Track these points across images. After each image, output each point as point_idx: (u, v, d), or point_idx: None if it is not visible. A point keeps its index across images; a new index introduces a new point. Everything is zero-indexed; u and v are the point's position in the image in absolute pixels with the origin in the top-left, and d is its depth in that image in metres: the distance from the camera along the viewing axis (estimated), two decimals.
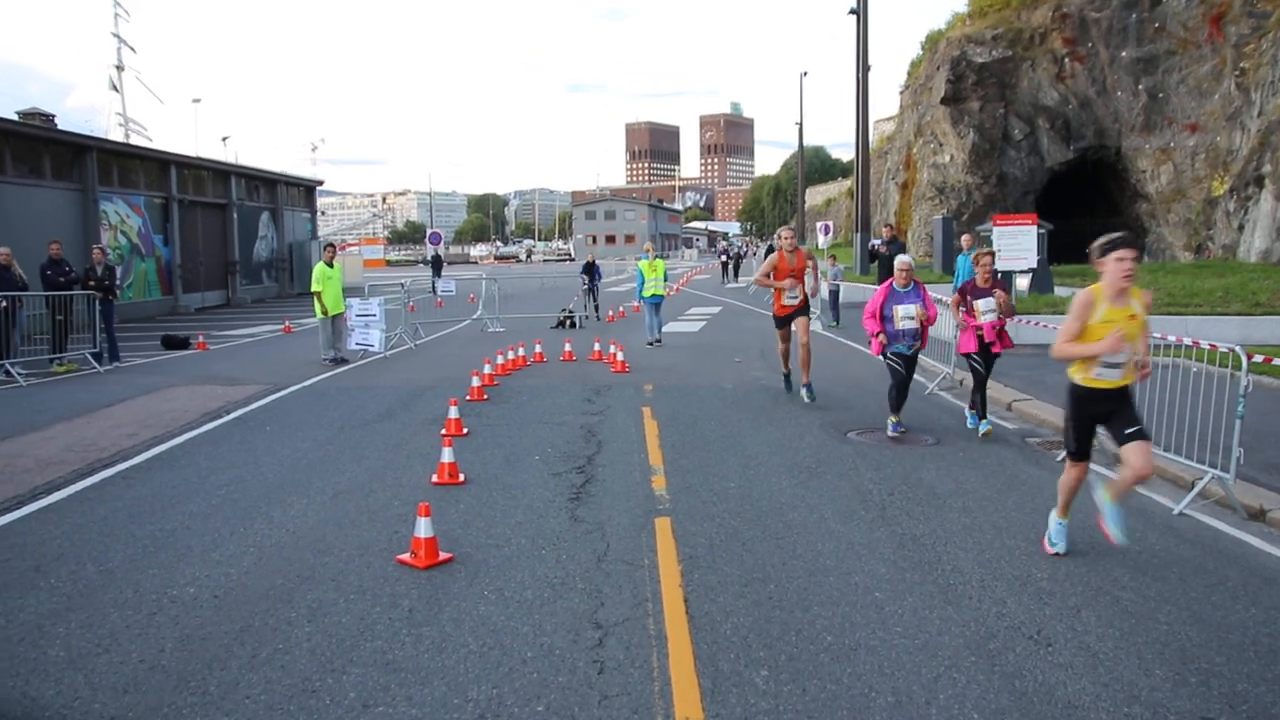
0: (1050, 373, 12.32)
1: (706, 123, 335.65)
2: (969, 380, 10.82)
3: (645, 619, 5.13)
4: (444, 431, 9.95)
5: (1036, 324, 14.16)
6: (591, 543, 6.45)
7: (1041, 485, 7.95)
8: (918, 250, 40.70)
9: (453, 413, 10.25)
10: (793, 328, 12.09)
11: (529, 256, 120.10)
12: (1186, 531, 6.80)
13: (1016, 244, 18.81)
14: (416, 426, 10.67)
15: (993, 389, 12.07)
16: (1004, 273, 18.73)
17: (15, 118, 28.25)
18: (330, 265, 16.87)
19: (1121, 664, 4.59)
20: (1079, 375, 5.87)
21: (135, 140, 42.82)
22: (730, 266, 47.85)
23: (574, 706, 4.17)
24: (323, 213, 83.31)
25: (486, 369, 13.80)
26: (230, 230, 35.99)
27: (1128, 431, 5.75)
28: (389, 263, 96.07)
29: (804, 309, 12.05)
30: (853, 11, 26.64)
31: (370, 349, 17.39)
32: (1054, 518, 6.23)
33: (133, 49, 49.57)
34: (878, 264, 18.66)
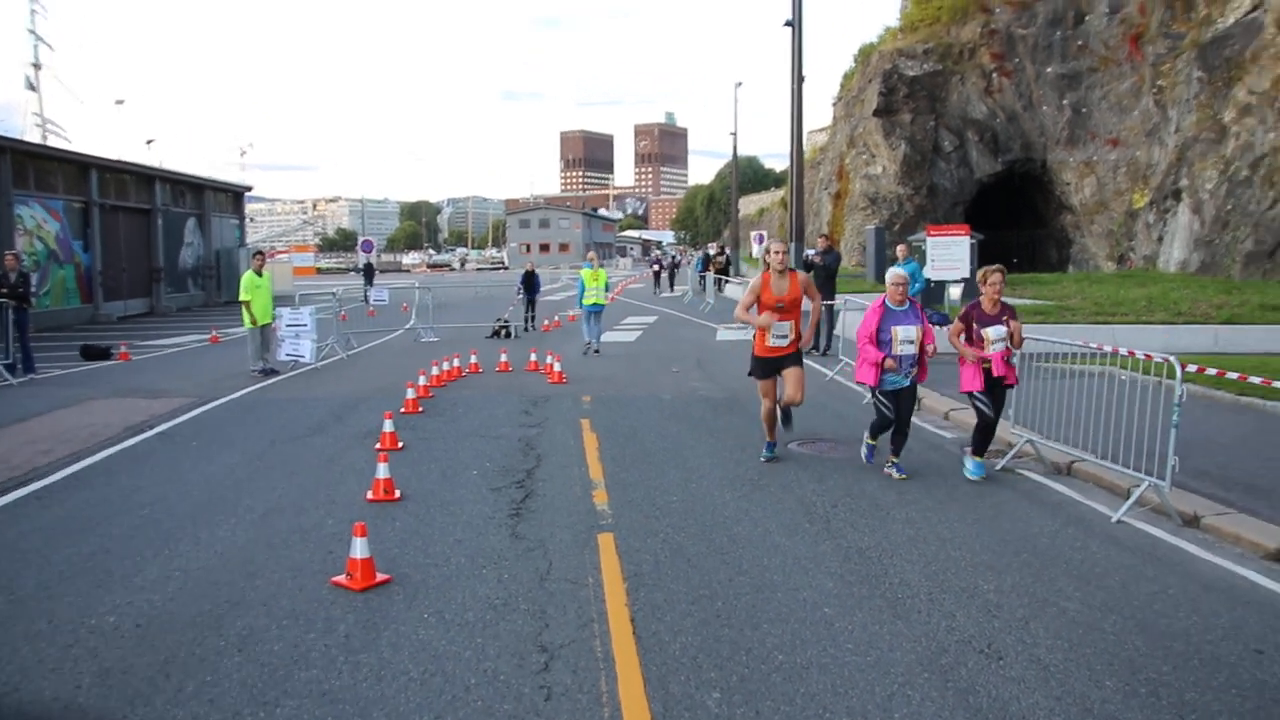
0: None
1: (641, 132, 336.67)
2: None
3: (592, 640, 4.99)
4: (379, 446, 9.69)
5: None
6: (534, 561, 6.29)
7: (983, 494, 7.98)
8: (850, 260, 41.09)
9: (387, 426, 10.00)
10: (780, 377, 9.11)
11: (463, 265, 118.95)
12: (1126, 539, 6.87)
13: (949, 254, 19.05)
14: (350, 440, 10.39)
15: (929, 397, 12.16)
16: (937, 282, 18.97)
17: None
18: (259, 274, 16.43)
19: (1072, 676, 4.58)
20: None
21: (53, 142, 41.31)
22: (664, 276, 47.62)
23: None
24: (251, 219, 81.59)
25: (421, 380, 13.52)
26: (155, 236, 34.96)
27: None
28: (320, 271, 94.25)
29: (795, 354, 8.98)
30: (788, 23, 26.83)
31: (301, 360, 16.95)
32: None
33: (50, 46, 48.09)
34: (813, 274, 18.70)
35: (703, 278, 38.62)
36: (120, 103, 57.87)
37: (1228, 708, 4.30)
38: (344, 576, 5.83)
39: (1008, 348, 8.40)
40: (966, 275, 18.90)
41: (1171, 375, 7.31)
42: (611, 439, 10.36)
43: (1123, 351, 8.37)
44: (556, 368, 15.17)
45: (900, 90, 40.23)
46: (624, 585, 5.81)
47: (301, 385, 14.98)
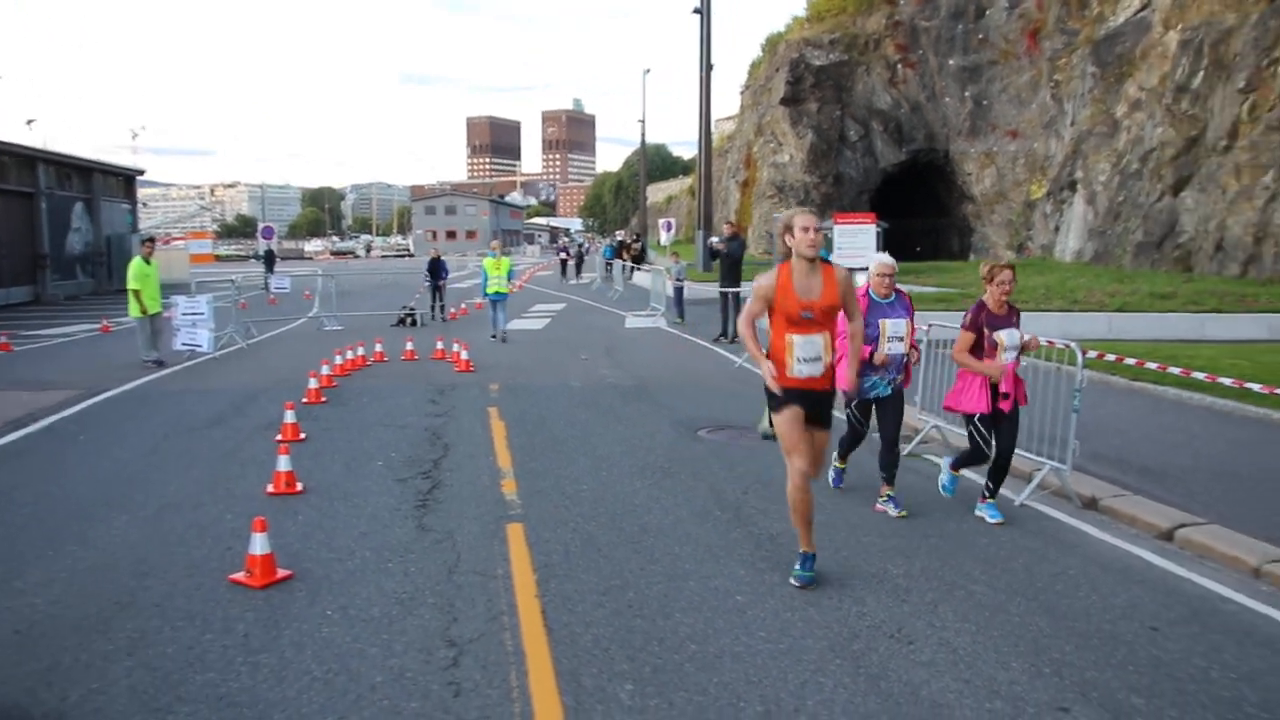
0: None
1: (549, 118, 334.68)
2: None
3: (502, 634, 4.88)
4: (279, 437, 9.37)
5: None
6: (441, 553, 6.14)
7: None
8: (756, 248, 41.52)
9: (289, 417, 9.68)
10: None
11: (368, 252, 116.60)
12: (1028, 522, 7.02)
13: (856, 242, 19.41)
14: (250, 432, 10.03)
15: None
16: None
17: None
18: (147, 261, 15.72)
19: (980, 658, 4.64)
20: None
21: None
22: (571, 264, 47.29)
23: None
24: (144, 204, 78.65)
25: (324, 370, 13.16)
26: (39, 221, 33.33)
27: None
28: (218, 258, 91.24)
29: (829, 393, 5.69)
30: (697, 11, 26.93)
31: (198, 349, 16.35)
32: None
33: None
34: (718, 262, 18.75)
35: (609, 265, 38.51)
36: None
37: (1126, 684, 4.40)
38: (243, 574, 5.59)
39: (1017, 358, 6.96)
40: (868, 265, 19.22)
41: (1073, 361, 7.50)
42: (520, 427, 10.21)
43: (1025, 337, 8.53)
44: (464, 356, 14.94)
45: (807, 80, 40.73)
46: (534, 576, 5.71)
47: (198, 376, 14.45)
